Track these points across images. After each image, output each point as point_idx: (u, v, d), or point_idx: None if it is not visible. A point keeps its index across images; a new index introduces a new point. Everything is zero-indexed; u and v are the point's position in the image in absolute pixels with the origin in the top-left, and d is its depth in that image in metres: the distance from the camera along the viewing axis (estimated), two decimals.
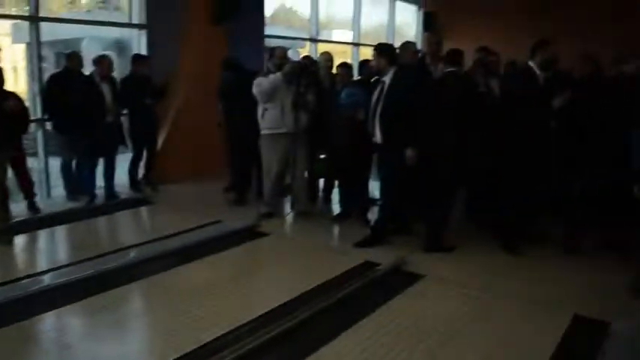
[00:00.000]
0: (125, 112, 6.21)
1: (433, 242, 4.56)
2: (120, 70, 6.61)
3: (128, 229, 5.55)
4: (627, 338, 3.17)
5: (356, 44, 10.16)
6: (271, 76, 5.08)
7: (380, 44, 4.66)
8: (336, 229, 5.30)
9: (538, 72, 4.28)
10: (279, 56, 5.25)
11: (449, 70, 4.62)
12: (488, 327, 3.35)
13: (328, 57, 5.73)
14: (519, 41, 9.29)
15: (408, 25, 11.90)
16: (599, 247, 4.53)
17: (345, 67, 5.43)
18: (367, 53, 10.26)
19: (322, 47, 9.34)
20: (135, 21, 6.96)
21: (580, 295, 3.77)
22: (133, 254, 4.39)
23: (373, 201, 5.74)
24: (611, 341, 3.13)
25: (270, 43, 8.56)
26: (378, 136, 4.53)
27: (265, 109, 5.19)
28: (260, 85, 5.09)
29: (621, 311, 3.49)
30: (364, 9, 10.28)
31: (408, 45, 4.85)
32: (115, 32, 7.68)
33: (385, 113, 4.43)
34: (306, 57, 6.22)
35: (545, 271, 4.19)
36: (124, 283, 3.84)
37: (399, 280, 3.99)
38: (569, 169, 4.58)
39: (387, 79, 4.47)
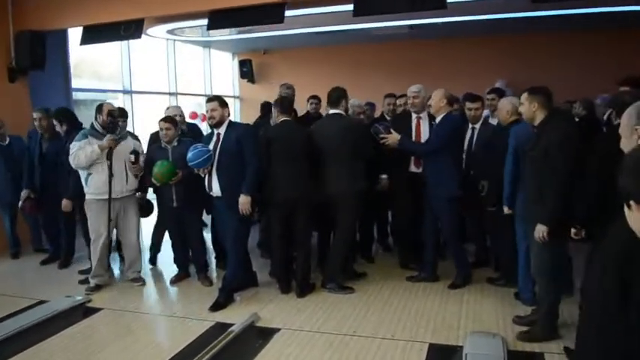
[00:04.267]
0: None
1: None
2: None
3: None
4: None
5: (173, 94, 9.88)
6: (88, 149, 4.62)
7: (219, 96, 4.60)
8: (175, 292, 4.98)
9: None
10: (109, 112, 4.79)
11: (283, 119, 4.66)
12: None
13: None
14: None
15: (225, 72, 11.96)
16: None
17: (170, 121, 4.90)
18: (185, 103, 10.10)
19: (137, 98, 8.92)
20: None
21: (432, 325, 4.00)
22: None
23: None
24: None
25: (77, 96, 8.00)
26: (215, 190, 4.45)
27: (89, 174, 4.74)
28: (77, 158, 4.63)
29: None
30: (179, 57, 10.09)
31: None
32: None
33: (222, 166, 4.39)
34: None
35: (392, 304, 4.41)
36: None
37: (255, 337, 3.88)
38: None
39: (221, 130, 4.46)
